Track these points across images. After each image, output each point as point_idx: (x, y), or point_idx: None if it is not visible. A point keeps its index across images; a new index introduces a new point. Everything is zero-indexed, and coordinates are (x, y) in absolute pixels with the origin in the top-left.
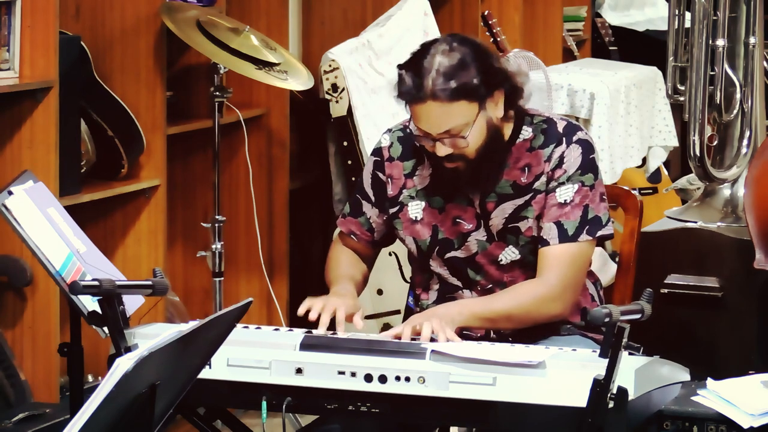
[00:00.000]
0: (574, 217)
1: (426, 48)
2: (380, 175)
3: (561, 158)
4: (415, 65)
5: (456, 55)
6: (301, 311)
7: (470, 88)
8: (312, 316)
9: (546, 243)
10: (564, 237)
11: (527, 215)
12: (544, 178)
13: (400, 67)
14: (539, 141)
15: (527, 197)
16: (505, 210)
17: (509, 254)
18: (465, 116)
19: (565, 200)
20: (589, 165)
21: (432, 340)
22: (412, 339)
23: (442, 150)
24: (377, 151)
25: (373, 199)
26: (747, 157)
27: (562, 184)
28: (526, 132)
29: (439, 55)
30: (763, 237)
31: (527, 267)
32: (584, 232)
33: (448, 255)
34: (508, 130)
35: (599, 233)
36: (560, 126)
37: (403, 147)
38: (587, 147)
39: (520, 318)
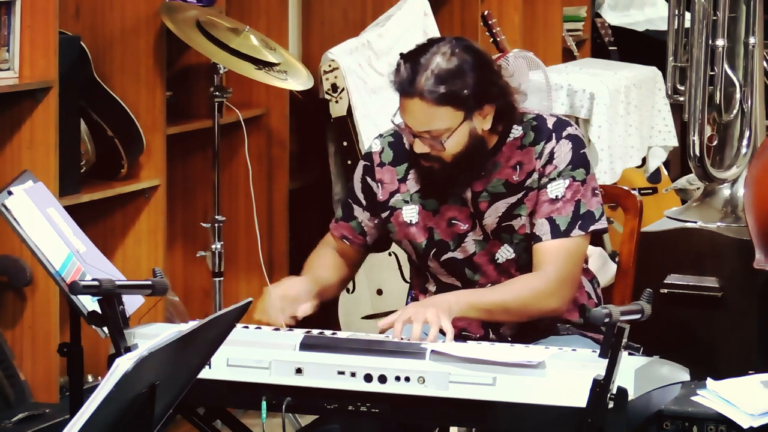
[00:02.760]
0: (565, 213)
1: (429, 44)
2: (369, 179)
3: (551, 154)
4: (413, 59)
5: (455, 60)
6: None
7: (459, 97)
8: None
9: (539, 239)
10: (556, 233)
11: (520, 213)
12: (535, 175)
13: (401, 56)
14: (530, 138)
15: (520, 195)
16: (498, 209)
17: (505, 253)
18: (448, 122)
19: (556, 196)
20: (579, 160)
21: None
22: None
23: (420, 147)
24: (367, 156)
25: (364, 203)
26: (747, 157)
27: (553, 179)
28: (516, 131)
29: (439, 56)
30: (763, 237)
31: (523, 266)
32: (576, 227)
33: (444, 257)
34: (494, 140)
35: (592, 228)
36: (550, 122)
37: (395, 152)
38: (577, 142)
39: (517, 310)
